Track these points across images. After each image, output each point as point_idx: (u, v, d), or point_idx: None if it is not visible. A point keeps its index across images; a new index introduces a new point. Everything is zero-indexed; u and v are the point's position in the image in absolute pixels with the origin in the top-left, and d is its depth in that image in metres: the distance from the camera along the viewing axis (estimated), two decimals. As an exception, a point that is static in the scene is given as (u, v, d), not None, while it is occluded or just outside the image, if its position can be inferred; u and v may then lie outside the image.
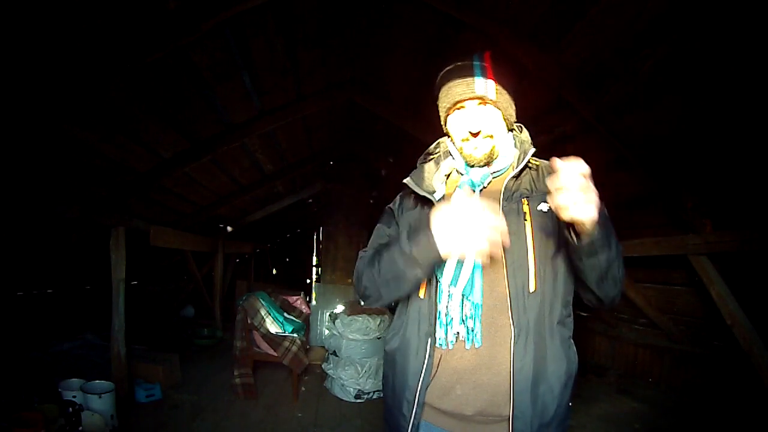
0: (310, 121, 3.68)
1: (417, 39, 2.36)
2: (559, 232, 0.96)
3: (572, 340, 1.01)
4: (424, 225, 0.89)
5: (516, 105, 1.07)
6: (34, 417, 2.24)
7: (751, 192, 2.05)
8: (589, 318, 4.38)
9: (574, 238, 0.83)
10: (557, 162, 0.75)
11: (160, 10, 1.74)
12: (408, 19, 2.23)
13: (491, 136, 1.02)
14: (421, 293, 1.02)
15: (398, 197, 1.19)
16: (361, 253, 1.13)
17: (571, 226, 0.81)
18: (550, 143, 2.50)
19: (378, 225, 1.18)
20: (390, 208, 1.19)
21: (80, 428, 2.41)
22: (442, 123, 1.11)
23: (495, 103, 1.01)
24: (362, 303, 1.13)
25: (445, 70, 1.07)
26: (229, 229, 5.58)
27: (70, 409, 2.42)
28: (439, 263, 0.93)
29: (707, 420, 2.98)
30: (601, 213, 0.78)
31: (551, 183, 0.75)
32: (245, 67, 2.43)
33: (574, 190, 0.73)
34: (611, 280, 0.91)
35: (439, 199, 1.04)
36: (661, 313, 3.33)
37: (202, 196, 4.12)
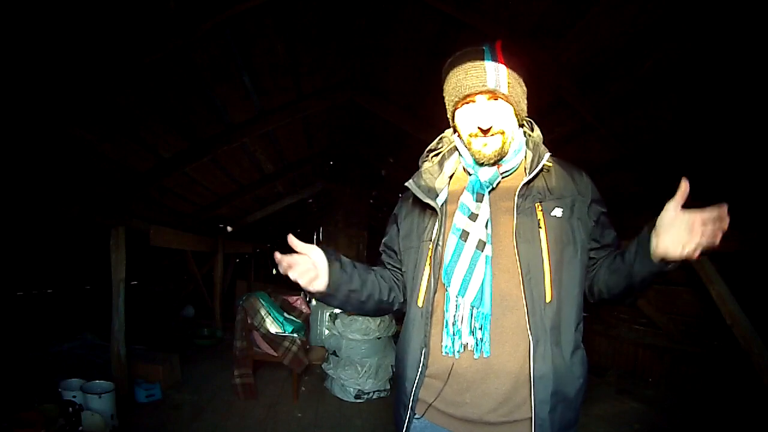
0: (310, 121, 3.68)
1: (417, 39, 2.36)
2: (574, 237, 0.96)
3: (583, 347, 0.99)
4: None
5: (528, 98, 1.04)
6: (34, 417, 2.23)
7: (751, 192, 2.05)
8: (589, 318, 4.37)
9: (661, 264, 0.85)
10: (718, 211, 0.77)
11: (161, 11, 1.74)
12: (408, 19, 2.23)
13: (502, 132, 0.97)
14: (419, 301, 1.01)
15: (402, 197, 1.17)
16: None
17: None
18: (550, 143, 2.50)
19: (386, 230, 1.20)
20: (395, 211, 1.18)
21: (80, 428, 2.41)
22: (449, 116, 1.06)
23: (507, 98, 0.96)
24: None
25: (453, 57, 1.01)
26: (229, 229, 5.59)
27: (70, 409, 2.42)
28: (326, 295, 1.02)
29: (707, 420, 2.98)
30: None
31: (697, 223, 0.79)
32: (245, 67, 2.43)
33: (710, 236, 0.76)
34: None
35: (442, 204, 1.01)
36: (661, 313, 3.33)
37: (202, 196, 4.12)
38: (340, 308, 1.07)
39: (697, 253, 0.78)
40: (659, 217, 0.84)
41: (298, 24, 2.25)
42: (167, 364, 3.60)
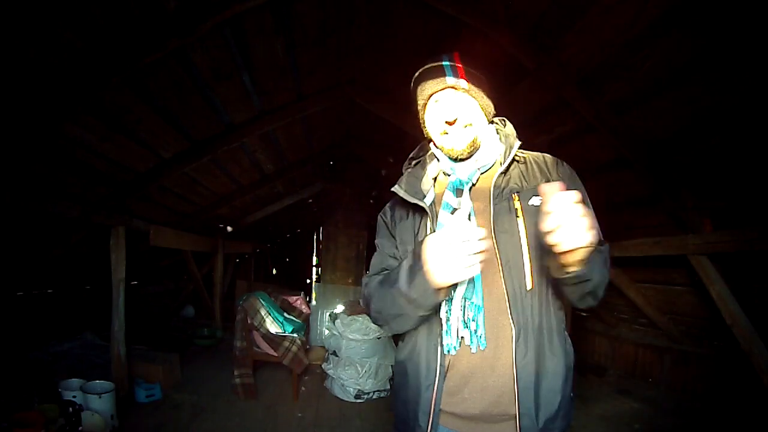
0: (310, 121, 3.68)
1: (417, 39, 2.36)
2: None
3: (566, 332, 1.01)
4: (418, 265, 0.84)
5: (493, 99, 1.06)
6: (34, 417, 2.24)
7: (751, 192, 2.05)
8: (589, 318, 4.38)
9: (562, 270, 0.82)
10: (545, 191, 0.74)
11: (160, 11, 1.74)
12: (408, 19, 2.23)
13: (470, 125, 1.00)
14: None
15: (388, 207, 1.16)
16: (365, 279, 1.10)
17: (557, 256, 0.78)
18: (550, 143, 2.50)
19: (377, 242, 1.16)
20: (383, 220, 1.16)
21: (80, 428, 2.41)
22: (422, 126, 1.10)
23: (468, 92, 1.00)
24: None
25: (415, 75, 1.07)
26: (229, 229, 5.58)
27: (70, 409, 2.42)
28: (441, 301, 0.90)
29: (707, 420, 2.98)
30: (596, 240, 0.75)
31: (543, 216, 0.73)
32: (245, 67, 2.43)
33: (568, 223, 0.71)
34: (592, 297, 0.91)
35: (430, 204, 1.03)
36: (661, 313, 3.33)
37: (202, 196, 4.11)
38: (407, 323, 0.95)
39: (560, 241, 0.72)
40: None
41: (298, 24, 2.25)
42: (167, 364, 3.61)
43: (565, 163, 1.05)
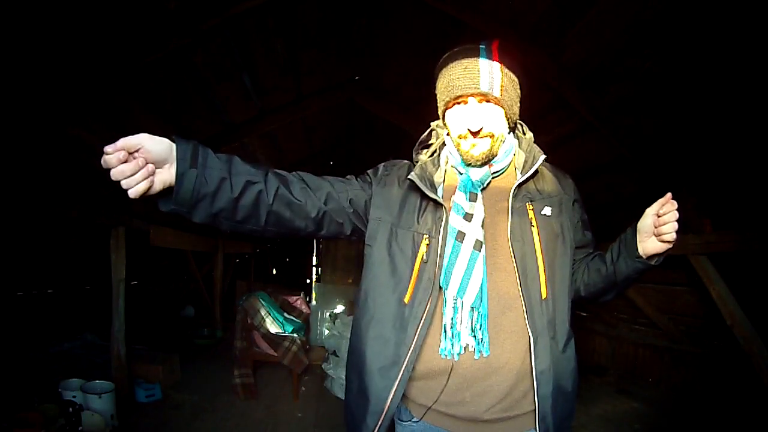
0: (310, 121, 3.68)
1: (417, 39, 2.36)
2: (563, 234, 0.99)
3: (573, 337, 1.02)
4: None
5: (522, 100, 1.02)
6: (34, 417, 2.24)
7: (751, 192, 2.05)
8: (589, 318, 4.38)
9: (646, 261, 0.96)
10: (668, 200, 0.89)
11: (160, 11, 1.74)
12: (408, 19, 2.23)
13: (491, 135, 0.96)
14: (407, 297, 0.95)
15: (382, 167, 1.09)
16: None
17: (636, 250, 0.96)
18: (550, 143, 2.50)
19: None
20: (372, 173, 1.08)
21: (80, 428, 2.41)
22: (440, 114, 1.05)
23: (499, 101, 0.95)
24: None
25: (448, 54, 0.99)
26: (229, 229, 5.57)
27: (70, 409, 2.42)
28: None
29: (707, 420, 2.98)
30: None
31: (659, 218, 0.90)
32: (245, 67, 2.43)
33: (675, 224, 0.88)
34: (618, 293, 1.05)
35: (441, 197, 0.98)
36: (661, 313, 3.33)
37: (202, 195, 4.11)
38: (209, 214, 0.88)
39: (673, 237, 0.90)
40: (640, 223, 0.95)
41: (298, 24, 2.25)
42: (167, 364, 3.61)
43: (570, 177, 1.08)
